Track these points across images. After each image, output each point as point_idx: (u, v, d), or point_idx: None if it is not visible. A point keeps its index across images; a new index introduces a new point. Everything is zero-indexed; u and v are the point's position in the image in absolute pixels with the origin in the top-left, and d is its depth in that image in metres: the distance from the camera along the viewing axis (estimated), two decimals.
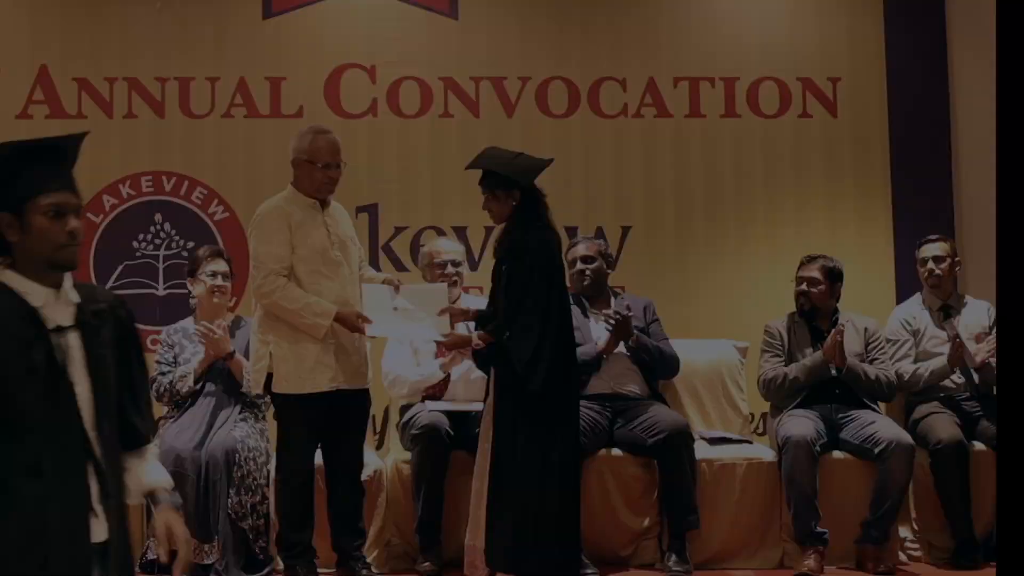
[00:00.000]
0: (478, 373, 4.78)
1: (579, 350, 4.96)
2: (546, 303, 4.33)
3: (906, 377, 5.26)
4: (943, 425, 5.04)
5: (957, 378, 5.23)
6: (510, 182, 4.42)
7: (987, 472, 5.01)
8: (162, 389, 4.99)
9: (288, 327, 4.50)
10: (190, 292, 5.15)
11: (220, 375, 4.98)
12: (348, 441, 4.66)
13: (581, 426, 4.82)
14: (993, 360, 5.19)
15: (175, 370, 5.00)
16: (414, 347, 5.11)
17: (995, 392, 5.25)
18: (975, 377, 5.21)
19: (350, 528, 4.66)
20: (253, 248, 4.59)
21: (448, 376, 5.03)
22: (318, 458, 4.67)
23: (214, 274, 5.06)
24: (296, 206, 4.58)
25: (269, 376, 4.54)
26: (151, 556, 4.74)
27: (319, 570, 4.64)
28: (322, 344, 4.49)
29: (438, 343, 4.73)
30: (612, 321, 4.97)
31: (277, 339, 4.51)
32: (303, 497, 4.58)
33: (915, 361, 5.32)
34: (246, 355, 5.00)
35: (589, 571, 4.67)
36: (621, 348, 5.09)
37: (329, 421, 4.58)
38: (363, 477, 4.78)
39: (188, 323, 5.20)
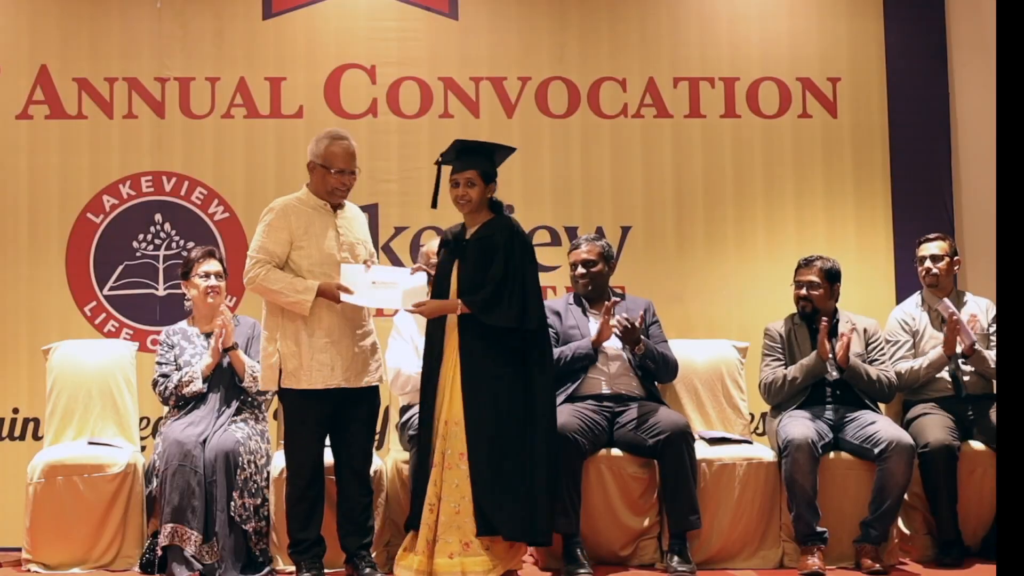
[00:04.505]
0: None
1: (573, 344, 5.00)
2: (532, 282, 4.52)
3: (905, 374, 5.26)
4: (933, 427, 5.05)
5: (947, 376, 5.24)
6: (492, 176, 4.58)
7: (983, 472, 5.03)
8: (167, 393, 5.00)
9: (292, 325, 4.53)
10: (185, 295, 5.19)
11: (222, 373, 5.00)
12: (356, 439, 4.67)
13: (580, 427, 4.83)
14: (983, 347, 5.22)
15: (178, 373, 5.00)
16: (415, 344, 5.12)
17: (992, 390, 5.27)
18: (962, 383, 5.22)
19: (358, 526, 4.66)
20: (252, 240, 4.64)
21: None
22: (327, 456, 4.68)
23: (207, 275, 5.08)
24: (307, 207, 4.63)
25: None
26: (151, 556, 4.75)
27: (325, 569, 4.63)
28: (323, 343, 4.53)
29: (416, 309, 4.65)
30: (619, 330, 4.98)
31: (283, 337, 4.55)
32: (308, 494, 4.59)
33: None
34: (244, 350, 5.03)
35: (584, 571, 4.67)
36: (621, 349, 5.10)
37: (336, 419, 4.61)
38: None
39: (185, 325, 5.21)
